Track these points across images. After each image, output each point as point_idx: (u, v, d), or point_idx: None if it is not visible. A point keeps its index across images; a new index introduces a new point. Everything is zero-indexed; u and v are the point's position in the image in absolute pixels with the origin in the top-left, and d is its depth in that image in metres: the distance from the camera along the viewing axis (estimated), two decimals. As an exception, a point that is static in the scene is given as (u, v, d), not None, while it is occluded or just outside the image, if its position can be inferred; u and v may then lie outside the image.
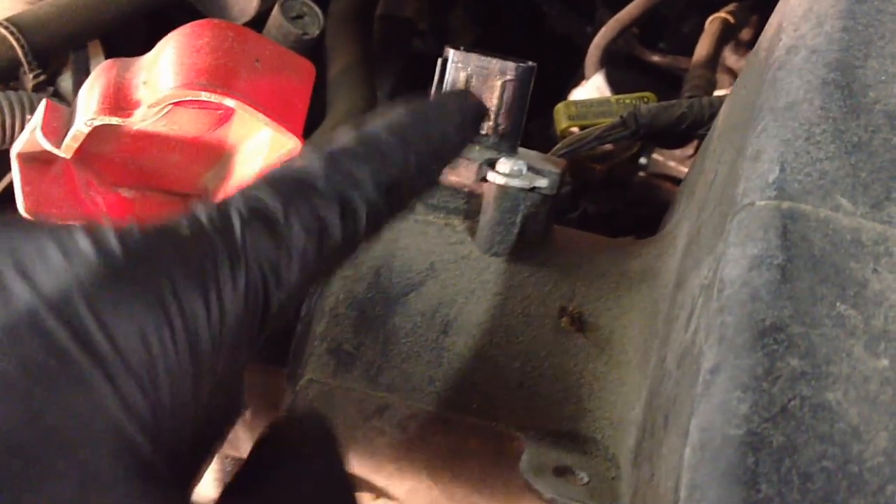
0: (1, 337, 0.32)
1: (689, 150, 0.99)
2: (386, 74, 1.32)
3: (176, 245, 0.36)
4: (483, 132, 0.60)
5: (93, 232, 0.35)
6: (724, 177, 0.48)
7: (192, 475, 0.40)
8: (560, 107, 0.83)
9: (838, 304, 0.38)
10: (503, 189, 0.56)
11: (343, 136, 0.43)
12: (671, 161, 1.02)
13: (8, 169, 0.90)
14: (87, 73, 0.96)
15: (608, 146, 0.83)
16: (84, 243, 0.34)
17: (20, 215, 0.58)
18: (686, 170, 1.01)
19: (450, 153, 0.47)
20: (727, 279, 0.40)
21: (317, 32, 1.05)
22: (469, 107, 0.48)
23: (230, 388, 0.40)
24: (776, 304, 0.38)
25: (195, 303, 0.35)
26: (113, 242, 0.34)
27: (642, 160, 0.96)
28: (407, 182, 0.44)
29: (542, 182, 0.56)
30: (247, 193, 0.38)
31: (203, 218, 0.37)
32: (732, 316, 0.39)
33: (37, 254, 0.34)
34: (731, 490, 0.35)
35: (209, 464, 0.42)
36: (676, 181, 1.00)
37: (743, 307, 0.38)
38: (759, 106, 0.45)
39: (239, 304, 0.36)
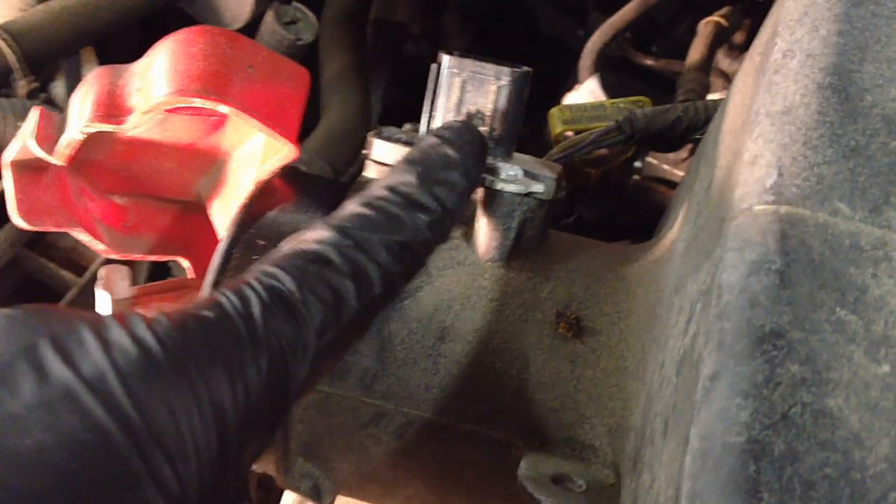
0: (38, 410, 0.33)
1: (684, 153, 0.99)
2: (379, 78, 1.32)
3: (202, 331, 0.38)
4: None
5: (126, 321, 0.37)
6: (720, 181, 0.47)
7: None
8: (554, 111, 0.83)
9: (838, 309, 0.38)
10: (499, 194, 0.56)
11: (351, 206, 0.45)
12: (665, 164, 1.02)
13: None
14: (79, 80, 0.96)
15: (603, 150, 0.82)
16: (118, 332, 0.36)
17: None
18: (681, 173, 1.01)
19: (459, 201, 0.48)
20: (725, 284, 0.39)
21: (310, 38, 1.04)
22: (471, 144, 0.49)
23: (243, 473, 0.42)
24: (775, 310, 0.38)
25: (221, 384, 0.37)
26: (144, 330, 0.37)
27: (637, 164, 0.96)
28: (420, 240, 0.45)
29: (538, 187, 0.56)
30: (263, 275, 0.41)
31: (226, 304, 0.39)
32: (731, 322, 0.38)
33: (74, 339, 0.35)
34: (732, 499, 0.34)
35: None
36: (671, 184, 1.00)
37: (742, 313, 0.38)
38: (756, 110, 0.45)
39: (263, 382, 0.39)
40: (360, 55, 1.18)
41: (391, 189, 0.46)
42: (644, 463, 0.46)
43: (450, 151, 0.48)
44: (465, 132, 0.50)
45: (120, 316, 0.38)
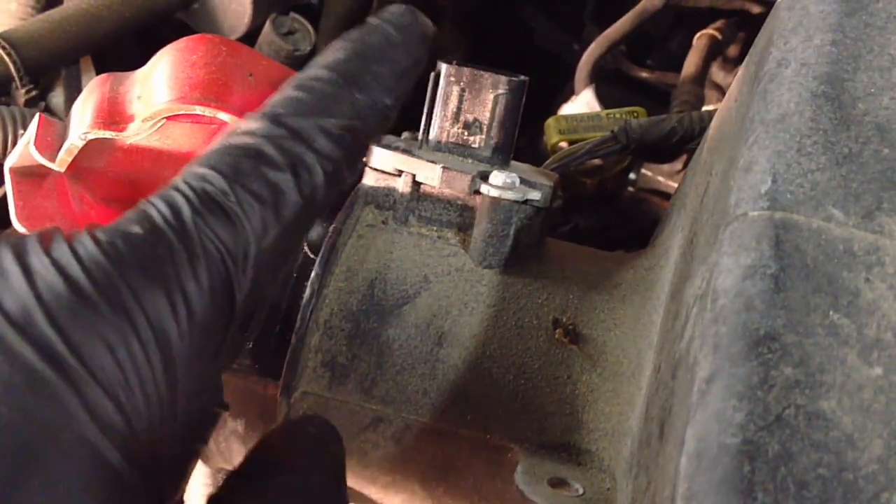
0: None
1: (678, 165, 1.00)
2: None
3: (131, 250, 0.35)
4: (476, 145, 0.60)
5: (49, 245, 0.34)
6: (716, 188, 0.48)
7: (176, 480, 0.39)
8: (551, 121, 0.84)
9: (831, 313, 0.39)
10: (496, 201, 0.56)
11: (283, 90, 0.41)
12: (660, 176, 1.03)
13: (1, 183, 0.90)
14: (78, 89, 0.96)
15: (598, 161, 0.83)
16: (41, 261, 0.34)
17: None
18: (675, 184, 1.01)
19: (401, 82, 0.44)
20: (721, 289, 0.40)
21: (308, 48, 1.05)
22: (411, 24, 0.45)
23: (209, 388, 0.40)
24: (770, 314, 0.38)
25: (159, 305, 0.35)
26: (68, 258, 0.34)
27: (631, 175, 0.96)
28: (360, 124, 0.42)
29: (534, 194, 0.57)
30: (193, 176, 0.37)
31: (155, 216, 0.36)
32: (726, 325, 0.39)
33: None
34: (727, 499, 0.35)
35: (193, 466, 0.41)
36: (665, 196, 1.01)
37: (737, 317, 0.39)
38: (751, 118, 0.46)
39: (205, 299, 0.36)
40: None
41: (326, 67, 0.42)
42: (640, 466, 0.47)
43: (390, 30, 0.44)
44: (407, 13, 0.46)
45: (44, 236, 0.35)
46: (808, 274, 0.40)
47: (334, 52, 0.43)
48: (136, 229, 0.36)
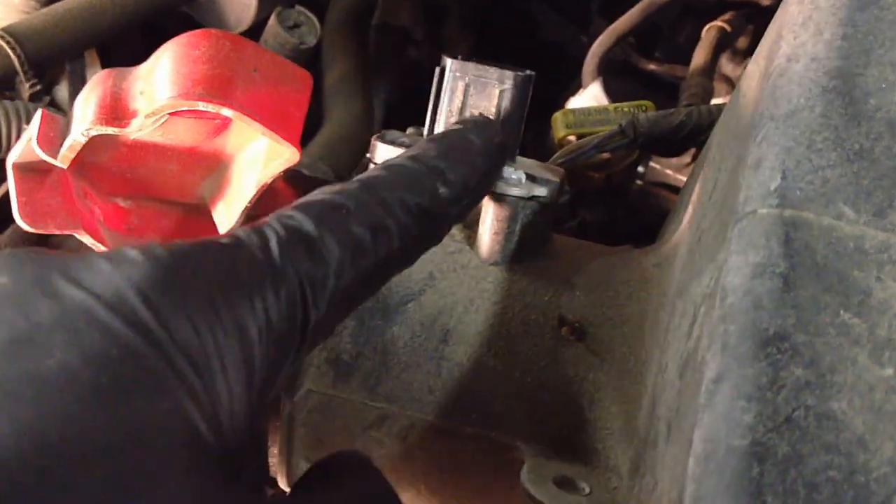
0: (57, 331, 0.32)
1: (686, 158, 0.99)
2: (382, 83, 1.32)
3: (220, 256, 0.38)
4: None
5: (139, 245, 0.37)
6: (724, 185, 0.47)
7: (256, 472, 0.41)
8: (558, 115, 0.83)
9: (842, 312, 0.38)
10: (502, 198, 0.56)
11: (371, 170, 0.45)
12: (668, 170, 1.02)
13: (1, 180, 0.90)
14: (83, 83, 0.96)
15: (606, 155, 0.82)
16: (132, 252, 0.36)
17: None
18: (684, 178, 1.01)
19: (478, 184, 0.48)
20: (729, 287, 0.39)
21: (314, 42, 1.04)
22: (493, 134, 0.50)
23: (272, 394, 0.41)
24: (779, 313, 0.38)
25: (243, 308, 0.37)
26: (160, 250, 0.36)
27: (640, 169, 0.96)
28: (437, 210, 0.45)
29: (540, 191, 0.56)
30: (281, 215, 0.41)
31: (242, 235, 0.39)
32: (735, 325, 0.38)
33: (84, 266, 0.35)
34: (736, 501, 0.34)
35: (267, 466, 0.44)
36: (674, 190, 1.00)
37: (746, 316, 0.38)
38: (760, 114, 0.45)
39: (282, 314, 0.38)
40: (364, 59, 1.18)
41: (413, 158, 0.46)
42: (647, 466, 0.46)
43: (472, 136, 0.49)
44: (488, 123, 0.51)
45: (133, 243, 0.37)
46: (819, 272, 0.39)
47: (421, 147, 0.47)
48: (226, 241, 0.39)
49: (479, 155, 0.48)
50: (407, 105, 1.33)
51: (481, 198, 0.50)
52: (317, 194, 0.43)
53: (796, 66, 0.46)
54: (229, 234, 0.40)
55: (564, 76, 1.23)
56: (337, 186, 0.44)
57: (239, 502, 0.36)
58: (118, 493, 0.31)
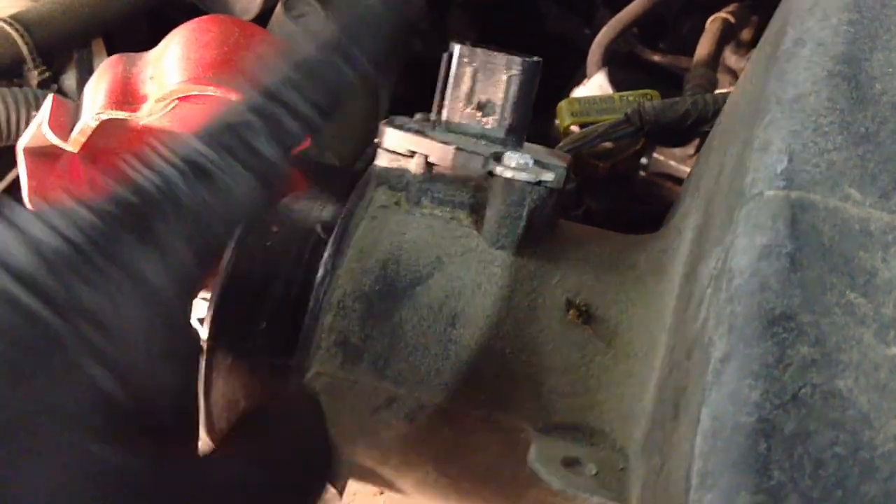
0: None
1: (690, 149, 1.00)
2: (387, 73, 1.32)
3: (124, 211, 0.38)
4: (489, 126, 0.60)
5: (43, 216, 0.37)
6: (731, 169, 0.48)
7: (182, 422, 0.42)
8: (563, 104, 0.83)
9: (848, 292, 0.39)
10: (510, 182, 0.56)
11: (270, 62, 0.45)
12: (672, 160, 1.02)
13: (11, 165, 0.90)
14: (90, 71, 0.96)
15: (610, 143, 0.83)
16: (38, 226, 0.37)
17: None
18: (687, 169, 1.01)
19: (388, 56, 0.49)
20: (736, 269, 0.40)
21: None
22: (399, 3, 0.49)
23: (189, 328, 0.43)
24: (786, 293, 0.38)
25: (150, 261, 0.38)
26: (65, 224, 0.37)
27: (643, 160, 0.96)
28: (340, 93, 0.46)
29: (548, 176, 0.56)
30: (179, 144, 0.41)
31: (145, 183, 0.39)
32: (742, 305, 0.39)
33: None
34: (743, 477, 0.35)
35: (197, 412, 0.47)
36: (677, 180, 1.01)
37: (752, 296, 0.39)
38: (767, 98, 0.45)
39: (188, 255, 0.39)
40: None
41: (314, 41, 0.46)
42: (654, 446, 0.47)
43: (379, 6, 0.49)
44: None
45: (37, 208, 0.38)
46: (825, 253, 0.39)
47: (323, 27, 0.46)
48: (129, 193, 0.39)
49: (387, 23, 0.48)
50: (411, 96, 1.33)
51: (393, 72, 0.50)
52: (215, 113, 0.43)
53: (803, 50, 0.46)
54: (132, 179, 0.39)
55: (568, 68, 1.24)
56: (235, 96, 0.44)
57: (157, 458, 0.37)
58: (18, 463, 0.33)
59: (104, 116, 0.59)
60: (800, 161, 0.42)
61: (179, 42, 0.61)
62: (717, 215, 0.47)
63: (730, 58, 1.15)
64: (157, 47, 0.63)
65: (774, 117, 0.44)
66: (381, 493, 0.75)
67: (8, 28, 0.83)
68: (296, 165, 0.65)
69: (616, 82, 1.02)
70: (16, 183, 0.92)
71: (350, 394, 0.56)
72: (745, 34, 1.15)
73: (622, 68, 1.15)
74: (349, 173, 0.65)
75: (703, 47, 1.06)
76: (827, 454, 0.35)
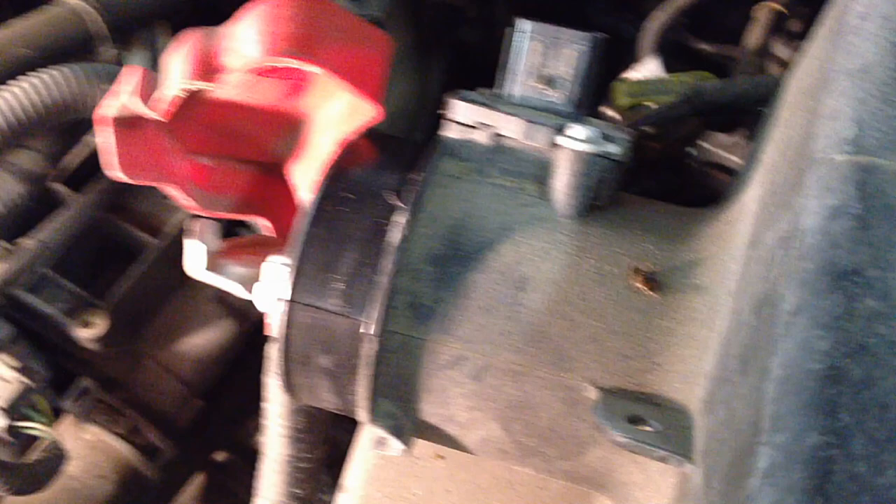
0: None
1: (737, 137, 1.01)
2: (436, 59, 1.34)
3: None
4: (555, 99, 0.62)
5: None
6: (798, 138, 0.50)
7: None
8: (618, 84, 0.85)
9: (913, 250, 0.41)
10: (577, 154, 0.58)
11: None
12: (720, 149, 1.04)
13: (77, 139, 0.93)
14: (153, 50, 1.00)
15: (662, 126, 0.85)
16: None
17: None
18: (734, 157, 1.03)
19: None
20: (807, 229, 0.42)
21: (378, 14, 1.07)
22: None
23: None
24: (854, 250, 0.40)
25: None
26: None
27: (692, 151, 0.98)
28: None
29: (614, 148, 0.59)
30: None
31: None
32: (812, 262, 0.41)
33: None
34: (813, 418, 0.37)
35: None
36: (724, 169, 1.02)
37: (823, 253, 0.41)
38: (834, 69, 0.47)
39: None
40: (420, 36, 1.20)
41: None
42: (719, 401, 0.49)
43: None
44: None
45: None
46: (891, 214, 0.41)
47: None
48: None
49: None
50: (459, 84, 1.35)
51: None
52: None
53: (868, 24, 0.48)
54: None
55: (613, 59, 1.25)
56: None
57: None
58: None
59: (191, 86, 0.62)
60: (867, 128, 0.44)
61: (257, 15, 0.64)
62: (784, 183, 0.49)
63: (778, 48, 1.16)
64: (233, 21, 0.66)
65: (842, 87, 0.46)
66: (442, 457, 0.77)
67: (88, 7, 0.86)
68: (367, 137, 0.68)
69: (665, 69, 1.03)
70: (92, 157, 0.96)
71: (420, 352, 0.58)
72: (795, 25, 1.16)
73: (668, 57, 1.16)
74: (410, 144, 0.67)
75: (752, 36, 1.07)
76: (891, 399, 0.37)
